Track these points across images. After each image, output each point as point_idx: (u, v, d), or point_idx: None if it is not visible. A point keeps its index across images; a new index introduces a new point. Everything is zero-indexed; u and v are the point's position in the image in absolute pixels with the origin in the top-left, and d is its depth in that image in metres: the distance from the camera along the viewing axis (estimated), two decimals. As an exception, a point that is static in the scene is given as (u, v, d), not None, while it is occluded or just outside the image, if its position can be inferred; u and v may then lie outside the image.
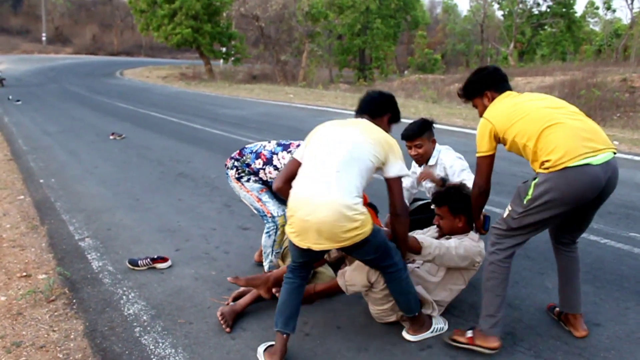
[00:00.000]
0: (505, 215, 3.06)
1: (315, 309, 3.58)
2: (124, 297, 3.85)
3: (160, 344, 3.22)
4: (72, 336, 3.36)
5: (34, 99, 18.67)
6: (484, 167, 3.14)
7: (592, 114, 17.12)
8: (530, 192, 2.90)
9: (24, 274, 4.28)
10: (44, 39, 62.35)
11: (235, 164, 4.00)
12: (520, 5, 44.42)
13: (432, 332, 3.24)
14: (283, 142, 4.01)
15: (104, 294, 3.90)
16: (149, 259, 4.33)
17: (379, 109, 3.30)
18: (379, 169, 2.97)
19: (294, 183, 2.92)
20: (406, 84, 28.51)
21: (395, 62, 50.76)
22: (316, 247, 2.80)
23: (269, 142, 4.03)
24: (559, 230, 3.27)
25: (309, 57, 35.24)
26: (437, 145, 4.27)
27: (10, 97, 18.48)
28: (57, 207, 6.03)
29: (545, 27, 45.79)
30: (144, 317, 3.55)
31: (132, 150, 9.43)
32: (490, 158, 3.12)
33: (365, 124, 3.08)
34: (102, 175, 7.55)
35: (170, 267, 4.35)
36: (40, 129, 12.04)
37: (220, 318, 3.38)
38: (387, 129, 3.28)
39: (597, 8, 48.72)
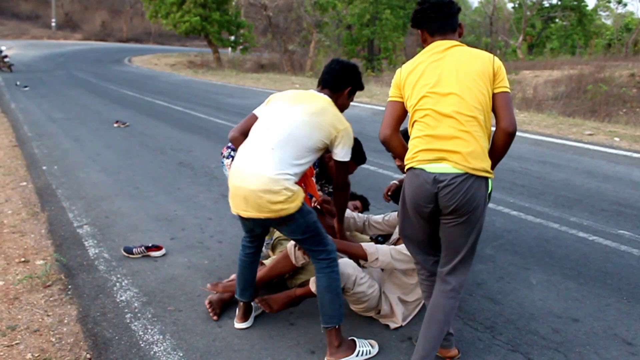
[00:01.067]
0: None
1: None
2: (118, 284, 3.96)
3: (149, 330, 3.32)
4: (65, 321, 3.47)
5: (41, 85, 18.79)
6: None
7: (598, 109, 17.11)
8: None
9: (23, 259, 4.39)
10: (53, 24, 62.50)
11: (232, 153, 4.07)
12: (531, -3, 44.14)
13: (356, 355, 3.00)
14: None
15: (99, 281, 4.01)
16: (143, 247, 4.43)
17: (339, 83, 3.22)
18: (327, 149, 3.07)
19: (240, 148, 3.06)
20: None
21: (404, 53, 50.52)
22: (244, 214, 2.92)
23: None
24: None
25: (316, 47, 35.23)
26: None
27: (18, 82, 18.60)
28: (58, 194, 6.14)
29: (556, 20, 45.49)
30: (135, 304, 3.65)
31: (134, 139, 9.53)
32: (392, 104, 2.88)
33: (319, 104, 3.06)
34: (104, 163, 7.66)
35: (164, 255, 4.45)
36: (46, 115, 12.16)
37: (208, 306, 3.48)
38: (348, 101, 3.31)
39: (609, 1, 48.27)
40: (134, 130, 10.38)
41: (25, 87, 17.67)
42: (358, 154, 3.97)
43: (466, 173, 2.54)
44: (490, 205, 5.64)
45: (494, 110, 2.66)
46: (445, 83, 2.64)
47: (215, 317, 3.44)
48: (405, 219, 2.84)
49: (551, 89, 21.02)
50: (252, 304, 3.42)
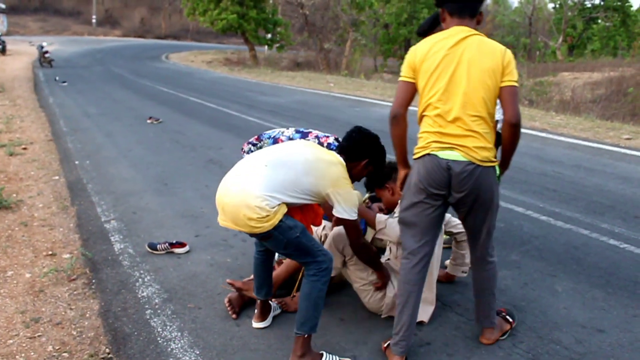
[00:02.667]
0: None
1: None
2: (140, 279, 4.00)
3: (168, 327, 3.35)
4: (87, 315, 3.52)
5: (79, 81, 19.15)
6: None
7: (638, 112, 16.69)
8: None
9: (50, 252, 4.47)
10: (94, 21, 63.65)
11: (252, 148, 4.07)
12: (573, -2, 43.34)
13: None
14: (302, 129, 4.04)
15: (122, 276, 4.06)
16: (167, 244, 4.47)
17: (355, 152, 3.19)
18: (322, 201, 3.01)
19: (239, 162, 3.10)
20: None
21: (440, 53, 50.05)
22: (222, 223, 2.93)
23: (288, 129, 4.08)
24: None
25: (352, 46, 35.15)
26: None
27: (57, 78, 18.99)
28: (88, 188, 6.24)
29: (598, 20, 44.58)
30: (156, 300, 3.68)
31: (166, 135, 9.64)
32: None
33: (331, 158, 3.02)
34: (134, 159, 7.76)
35: (187, 252, 4.48)
36: (82, 110, 12.38)
37: (227, 305, 3.49)
38: (362, 173, 3.27)
39: (654, 2, 47.11)
40: (166, 127, 10.49)
41: (64, 82, 18.02)
42: (379, 156, 3.80)
43: (473, 163, 2.73)
44: (519, 209, 5.55)
45: (500, 102, 2.81)
46: (457, 83, 2.75)
47: (234, 316, 3.45)
48: (410, 205, 2.91)
49: (590, 92, 20.57)
50: (270, 303, 3.41)
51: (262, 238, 2.91)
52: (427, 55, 2.81)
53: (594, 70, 26.51)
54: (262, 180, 2.81)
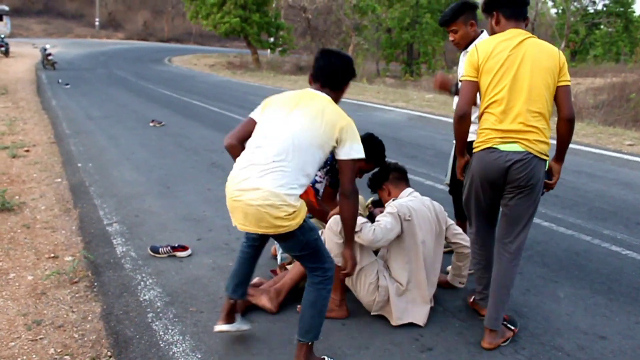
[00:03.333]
0: None
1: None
2: (142, 282, 4.00)
3: (170, 331, 3.35)
4: (89, 318, 3.52)
5: (82, 83, 19.18)
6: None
7: (640, 118, 16.69)
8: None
9: (52, 255, 4.48)
10: (97, 23, 63.77)
11: None
12: (575, 4, 43.35)
13: None
14: None
15: (124, 279, 4.06)
16: (169, 247, 4.47)
17: (342, 80, 3.05)
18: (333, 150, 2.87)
19: (238, 159, 2.88)
20: (453, 80, 28.13)
21: (444, 58, 50.15)
22: (241, 228, 2.82)
23: None
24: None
25: (355, 50, 35.19)
26: (484, 34, 4.02)
27: (60, 80, 19.01)
28: (90, 191, 6.25)
29: (601, 26, 44.60)
30: (158, 304, 3.68)
31: (169, 138, 9.65)
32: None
33: (318, 105, 2.86)
34: (137, 162, 7.76)
35: (189, 255, 4.48)
36: (85, 113, 12.40)
37: (230, 308, 3.47)
38: (342, 95, 3.11)
39: (657, 8, 47.17)
40: (169, 130, 10.50)
41: (67, 84, 18.04)
42: (376, 151, 3.87)
43: (531, 154, 2.98)
44: (546, 224, 5.51)
45: (555, 100, 3.07)
46: (520, 81, 2.98)
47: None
48: (471, 194, 3.24)
49: (592, 97, 20.56)
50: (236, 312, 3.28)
51: (283, 238, 2.81)
52: (490, 55, 3.02)
53: (596, 75, 26.53)
54: (278, 174, 2.68)
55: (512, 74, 2.98)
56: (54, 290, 3.88)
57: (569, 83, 3.05)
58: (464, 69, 3.17)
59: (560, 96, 3.04)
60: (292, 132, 2.76)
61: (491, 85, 3.01)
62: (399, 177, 3.81)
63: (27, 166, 7.36)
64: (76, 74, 22.58)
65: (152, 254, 4.47)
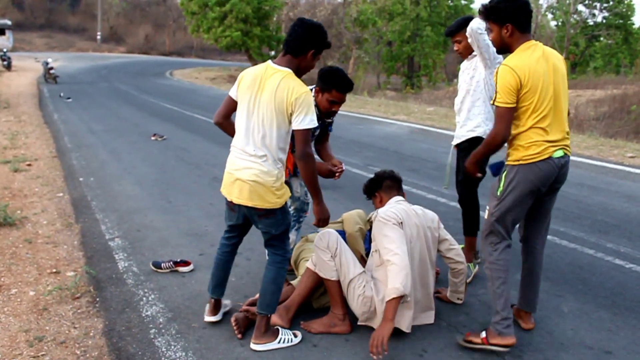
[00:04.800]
0: (486, 216, 3.40)
1: (325, 321, 3.63)
2: (144, 298, 3.99)
3: (172, 347, 3.33)
4: (91, 334, 3.51)
5: (84, 97, 19.23)
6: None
7: (641, 130, 16.71)
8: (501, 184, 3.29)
9: (54, 270, 4.47)
10: (99, 37, 64.10)
11: None
12: (575, 16, 43.57)
13: (278, 342, 3.33)
14: None
15: (126, 294, 4.05)
16: (172, 262, 4.46)
17: (301, 47, 3.20)
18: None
19: (235, 137, 3.34)
20: (454, 93, 28.26)
21: (444, 70, 50.35)
22: (236, 201, 3.24)
23: None
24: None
25: (356, 63, 35.34)
26: None
27: (62, 94, 19.06)
28: (92, 205, 6.24)
29: (601, 38, 44.80)
30: (161, 320, 3.67)
31: (171, 152, 9.66)
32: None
33: (275, 81, 3.16)
34: (139, 176, 7.77)
35: (192, 271, 4.47)
36: (87, 127, 12.42)
37: (234, 324, 3.46)
38: (312, 63, 3.28)
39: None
40: (171, 144, 10.52)
41: (69, 98, 18.09)
42: (339, 78, 3.83)
43: (568, 156, 3.29)
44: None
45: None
46: (557, 92, 3.16)
47: (239, 336, 3.42)
48: (516, 204, 3.26)
49: (593, 109, 20.62)
50: (221, 300, 3.68)
51: (264, 215, 3.24)
52: (530, 73, 3.09)
53: (596, 87, 26.62)
54: (263, 159, 3.18)
55: (552, 88, 3.15)
56: (56, 305, 3.86)
57: None
58: (499, 93, 3.13)
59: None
60: (262, 118, 3.17)
61: (539, 102, 3.11)
62: (392, 186, 3.85)
63: (28, 180, 7.36)
64: (78, 88, 22.65)
65: (154, 269, 4.46)
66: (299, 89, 3.11)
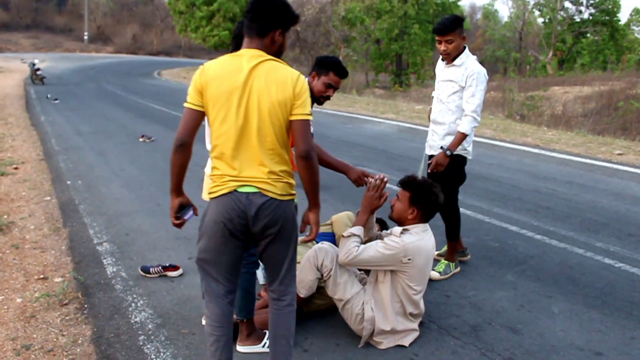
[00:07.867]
0: None
1: (315, 325, 3.61)
2: (133, 304, 3.95)
3: (162, 354, 3.30)
4: (79, 341, 3.47)
5: (71, 98, 19.08)
6: None
7: (629, 127, 16.79)
8: None
9: (42, 276, 4.42)
10: (86, 37, 63.67)
11: None
12: (562, 13, 43.78)
13: (263, 347, 3.31)
14: None
15: (114, 300, 4.01)
16: (160, 267, 4.43)
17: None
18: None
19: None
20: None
21: (432, 68, 50.38)
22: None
23: None
24: None
25: (344, 62, 35.28)
26: (467, 49, 4.29)
27: (49, 95, 18.90)
28: (80, 209, 6.19)
29: (587, 35, 45.05)
30: (150, 326, 3.63)
31: (159, 154, 9.60)
32: None
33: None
34: (127, 178, 7.71)
35: (181, 275, 4.44)
36: (74, 128, 12.32)
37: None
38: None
39: (643, 16, 47.72)
40: (159, 145, 10.45)
41: (56, 99, 17.94)
42: (337, 62, 3.64)
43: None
44: (513, 228, 5.56)
45: None
46: None
47: (229, 342, 3.39)
48: None
49: (581, 106, 20.71)
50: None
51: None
52: None
53: (584, 84, 26.73)
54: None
55: None
56: (43, 313, 3.82)
57: None
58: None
59: None
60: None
61: None
62: (429, 214, 3.58)
63: (15, 184, 7.29)
64: (65, 89, 22.46)
65: (143, 274, 4.42)
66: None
